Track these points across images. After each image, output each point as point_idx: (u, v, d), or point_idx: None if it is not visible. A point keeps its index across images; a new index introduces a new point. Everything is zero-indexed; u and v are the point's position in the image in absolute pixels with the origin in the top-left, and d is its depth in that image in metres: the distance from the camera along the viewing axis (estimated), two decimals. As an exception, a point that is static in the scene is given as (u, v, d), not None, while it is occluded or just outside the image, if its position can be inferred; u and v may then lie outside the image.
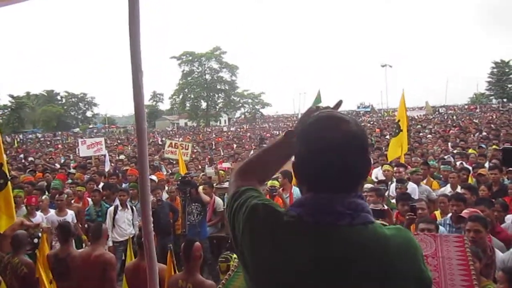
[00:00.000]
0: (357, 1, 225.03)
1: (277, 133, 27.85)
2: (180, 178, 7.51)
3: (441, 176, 8.24)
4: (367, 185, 6.92)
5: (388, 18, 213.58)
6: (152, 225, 7.50)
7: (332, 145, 1.13)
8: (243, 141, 26.62)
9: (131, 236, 6.73)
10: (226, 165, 10.80)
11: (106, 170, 11.82)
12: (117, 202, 7.44)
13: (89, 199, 7.94)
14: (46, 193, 8.35)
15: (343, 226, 1.13)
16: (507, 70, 69.71)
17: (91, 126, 77.57)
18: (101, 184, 8.83)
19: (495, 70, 70.44)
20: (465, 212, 4.48)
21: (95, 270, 4.16)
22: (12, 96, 70.71)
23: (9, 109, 70.44)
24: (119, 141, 32.98)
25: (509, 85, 70.20)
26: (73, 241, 6.74)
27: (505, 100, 66.55)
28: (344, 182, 1.15)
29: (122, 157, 16.45)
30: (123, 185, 8.96)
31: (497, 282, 3.32)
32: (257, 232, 1.21)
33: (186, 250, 3.92)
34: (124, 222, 7.19)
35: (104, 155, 13.73)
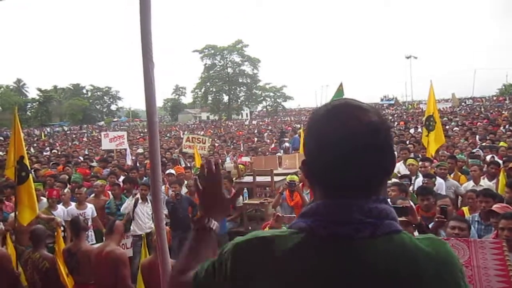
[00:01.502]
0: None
1: (299, 126, 27.56)
2: (198, 173, 7.42)
3: (470, 170, 7.92)
4: (392, 180, 6.69)
5: (413, 8, 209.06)
6: (170, 220, 7.49)
7: (348, 139, 0.93)
8: (264, 134, 26.50)
9: (149, 230, 6.70)
10: (245, 159, 10.67)
11: (128, 163, 11.88)
12: (137, 195, 7.42)
13: (110, 193, 7.96)
14: (68, 185, 8.44)
15: (363, 239, 0.92)
16: (538, 60, 67.19)
17: (115, 120, 78.80)
18: (122, 178, 8.83)
19: (526, 60, 67.98)
20: (496, 207, 4.22)
21: (106, 266, 4.13)
22: (40, 90, 72.51)
23: (37, 102, 72.22)
24: (141, 135, 33.30)
25: (541, 76, 67.72)
26: (92, 234, 6.82)
27: (536, 90, 64.41)
28: (364, 183, 0.95)
29: (140, 150, 16.54)
30: (144, 179, 8.95)
31: None
32: (251, 277, 0.99)
33: None
34: (144, 216, 7.16)
35: (126, 149, 13.82)
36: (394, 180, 6.70)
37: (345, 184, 0.95)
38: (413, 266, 0.91)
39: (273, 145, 16.98)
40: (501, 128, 17.41)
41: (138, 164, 11.37)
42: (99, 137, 21.47)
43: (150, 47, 2.81)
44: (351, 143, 0.93)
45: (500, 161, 7.83)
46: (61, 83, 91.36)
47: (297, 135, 15.52)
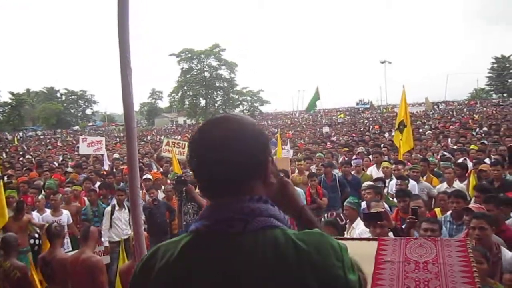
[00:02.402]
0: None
1: (276, 130, 27.72)
2: (175, 177, 7.42)
3: (442, 172, 8.15)
4: (366, 183, 6.85)
5: (387, 15, 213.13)
6: (147, 225, 7.46)
7: (209, 147, 1.07)
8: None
9: (127, 236, 6.65)
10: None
11: (105, 169, 11.72)
12: (114, 201, 7.35)
13: (86, 199, 7.86)
14: (43, 192, 8.28)
15: (235, 234, 1.04)
16: (507, 65, 69.58)
17: (90, 124, 77.44)
18: (98, 184, 8.72)
19: (495, 65, 70.32)
20: (472, 206, 4.38)
21: (82, 273, 4.07)
22: (12, 93, 70.53)
23: (9, 106, 70.23)
24: (118, 140, 32.86)
25: (510, 80, 70.10)
26: (68, 241, 6.72)
27: (505, 95, 66.51)
28: (233, 186, 1.07)
29: (116, 155, 16.34)
30: (121, 185, 8.86)
31: (503, 283, 3.22)
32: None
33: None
34: (121, 222, 7.10)
35: (103, 155, 13.63)
36: (368, 183, 6.87)
37: (216, 186, 1.09)
38: (281, 258, 1.00)
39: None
40: (478, 129, 17.95)
41: (114, 170, 11.24)
42: (74, 142, 21.12)
43: (127, 54, 2.83)
44: (213, 152, 1.06)
45: (470, 163, 8.09)
46: (34, 86, 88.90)
47: (274, 139, 15.63)
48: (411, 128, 10.24)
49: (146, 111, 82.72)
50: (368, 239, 2.03)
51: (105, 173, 10.50)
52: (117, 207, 7.09)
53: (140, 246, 2.91)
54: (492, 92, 72.24)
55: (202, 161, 1.08)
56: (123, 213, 7.10)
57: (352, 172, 8.50)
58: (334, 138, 20.96)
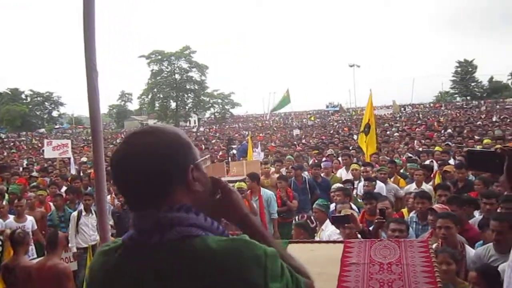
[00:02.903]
0: (325, 2, 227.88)
1: (246, 133, 27.78)
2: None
3: (408, 174, 8.37)
4: (335, 185, 6.94)
5: (356, 19, 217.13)
6: (116, 230, 7.34)
7: (122, 160, 1.11)
8: (213, 141, 26.47)
9: (95, 242, 6.51)
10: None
11: (72, 173, 11.45)
12: (81, 206, 7.17)
13: (51, 204, 7.64)
14: (6, 197, 8.00)
15: (153, 245, 1.06)
16: (470, 69, 72.07)
17: (57, 127, 75.23)
18: (64, 188, 8.49)
19: (459, 69, 72.68)
20: (436, 206, 4.51)
21: (49, 281, 3.96)
22: (-27, 95, 67.80)
23: (-29, 108, 67.49)
24: (85, 143, 32.12)
25: (472, 84, 72.61)
26: (33, 248, 6.51)
27: (468, 98, 68.88)
28: (148, 198, 1.09)
29: (84, 159, 15.98)
30: (88, 189, 8.66)
31: (468, 280, 3.32)
32: None
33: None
34: (89, 228, 6.93)
35: (69, 158, 13.30)
36: (338, 185, 6.96)
37: (135, 200, 1.11)
38: (196, 268, 1.01)
39: (220, 153, 16.98)
40: (443, 132, 18.49)
41: (81, 174, 10.99)
42: (39, 145, 20.51)
43: (93, 56, 2.79)
44: (125, 165, 1.10)
45: (436, 165, 8.34)
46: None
47: (245, 141, 15.65)
48: (378, 130, 10.50)
49: (115, 113, 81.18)
50: (334, 242, 2.07)
51: (72, 177, 10.24)
52: (84, 213, 6.91)
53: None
54: (456, 95, 74.68)
55: (118, 175, 1.11)
56: (90, 219, 6.93)
57: (322, 174, 8.60)
58: (304, 141, 21.19)
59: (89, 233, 6.87)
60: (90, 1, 2.71)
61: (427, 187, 6.97)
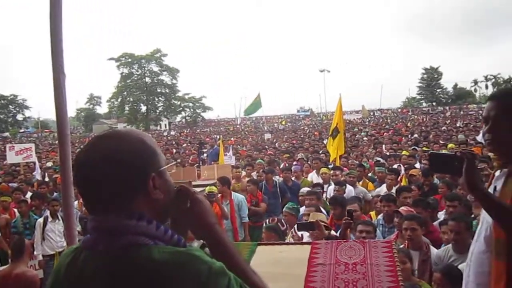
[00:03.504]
0: (297, 8, 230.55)
1: (218, 137, 27.72)
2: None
3: (376, 177, 8.55)
4: (304, 189, 7.03)
5: (326, 25, 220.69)
6: (84, 236, 7.21)
7: (82, 165, 1.10)
8: (184, 145, 26.28)
9: (62, 249, 6.34)
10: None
11: (37, 178, 11.12)
12: (47, 213, 6.98)
13: (16, 210, 7.40)
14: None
15: (99, 252, 1.06)
16: (436, 76, 74.40)
17: (22, 130, 72.91)
18: (29, 194, 8.26)
19: (425, 75, 74.90)
20: (402, 209, 4.64)
21: (16, 290, 3.84)
22: None
23: None
24: (53, 147, 31.25)
25: (438, 90, 74.98)
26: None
27: (434, 103, 71.07)
28: (100, 204, 1.09)
29: (49, 164, 15.57)
30: (54, 195, 8.45)
31: (433, 281, 3.44)
32: None
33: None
34: (55, 234, 6.76)
35: (34, 163, 12.93)
36: (307, 189, 7.04)
37: (90, 203, 1.11)
38: (137, 276, 1.00)
39: (192, 157, 16.88)
40: (410, 136, 18.98)
41: (47, 179, 10.70)
42: (2, 149, 19.84)
43: (61, 58, 2.75)
44: (84, 170, 1.10)
45: (402, 169, 8.56)
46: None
47: (216, 145, 15.63)
48: (348, 134, 10.72)
49: (83, 117, 79.38)
50: (302, 243, 2.11)
51: (37, 182, 9.97)
52: (50, 219, 6.74)
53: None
54: (423, 100, 76.94)
55: (78, 178, 1.11)
56: (57, 225, 6.76)
57: (292, 178, 8.69)
58: (276, 145, 21.32)
59: (55, 239, 6.70)
60: (57, 3, 2.67)
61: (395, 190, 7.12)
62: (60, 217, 6.71)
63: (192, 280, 0.98)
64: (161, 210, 1.13)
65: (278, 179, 8.67)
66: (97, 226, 1.08)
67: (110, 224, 1.06)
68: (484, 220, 1.95)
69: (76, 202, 8.02)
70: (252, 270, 1.17)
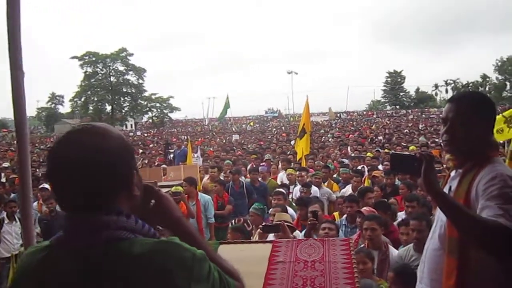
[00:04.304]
0: (266, 8, 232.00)
1: (185, 138, 27.49)
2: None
3: (340, 178, 8.72)
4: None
5: (294, 27, 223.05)
6: (43, 238, 7.01)
7: (65, 160, 1.07)
8: (150, 146, 25.92)
9: (18, 252, 6.15)
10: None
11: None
12: (3, 214, 6.74)
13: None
14: None
15: (80, 248, 1.05)
16: (399, 80, 76.54)
17: (-22, 130, 69.96)
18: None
19: (389, 79, 76.92)
20: (364, 209, 4.75)
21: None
22: None
23: None
24: (12, 149, 30.09)
25: (401, 93, 77.15)
26: None
27: (397, 106, 73.08)
28: (82, 199, 1.07)
29: (6, 164, 15.03)
30: (12, 195, 8.15)
31: (387, 281, 3.54)
32: None
33: None
34: (12, 236, 6.54)
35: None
36: (276, 189, 7.10)
37: (68, 200, 1.09)
38: (123, 269, 1.02)
39: (158, 157, 16.68)
40: (374, 138, 19.41)
41: (4, 179, 10.32)
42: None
43: (19, 55, 2.66)
44: (68, 165, 1.06)
45: (366, 170, 8.76)
46: None
47: (183, 146, 15.51)
48: (315, 136, 10.92)
49: (44, 116, 76.91)
50: (264, 242, 2.14)
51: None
52: (6, 220, 6.52)
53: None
54: (387, 104, 78.97)
55: (56, 173, 1.08)
56: (14, 226, 6.55)
57: (259, 179, 8.73)
58: (244, 147, 21.35)
59: (12, 241, 6.50)
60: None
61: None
62: (17, 219, 6.49)
63: (179, 267, 1.03)
64: (135, 207, 1.15)
65: (245, 180, 8.69)
66: (78, 223, 1.06)
67: (93, 220, 1.05)
68: (439, 219, 2.03)
69: (35, 204, 7.80)
70: (222, 258, 1.26)
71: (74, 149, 1.07)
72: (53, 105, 77.05)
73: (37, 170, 12.91)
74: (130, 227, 1.08)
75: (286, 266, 1.73)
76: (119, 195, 1.10)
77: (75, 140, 1.09)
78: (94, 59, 64.98)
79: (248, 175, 9.39)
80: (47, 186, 8.48)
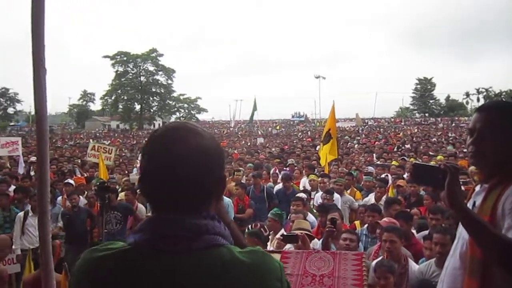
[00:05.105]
0: (296, 14, 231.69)
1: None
2: (98, 183, 7.12)
3: (363, 186, 8.55)
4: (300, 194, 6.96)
5: (322, 32, 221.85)
6: (65, 233, 7.08)
7: (171, 159, 1.02)
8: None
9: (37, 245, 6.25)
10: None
11: (20, 172, 10.99)
12: (28, 207, 6.89)
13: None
14: None
15: (179, 252, 1.00)
16: (429, 87, 74.95)
17: (12, 124, 72.29)
18: (12, 187, 8.14)
19: (418, 86, 75.45)
20: (383, 220, 4.61)
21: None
22: None
23: None
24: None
25: (431, 101, 75.51)
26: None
27: (427, 114, 71.54)
28: (184, 201, 1.03)
29: (34, 158, 15.45)
30: (38, 189, 8.33)
31: None
32: None
33: None
34: (35, 229, 6.66)
35: (19, 156, 12.80)
36: (301, 194, 6.99)
37: (166, 201, 1.04)
38: (225, 276, 0.99)
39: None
40: (401, 146, 19.05)
41: (33, 173, 10.58)
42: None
43: (42, 52, 2.69)
44: (175, 165, 1.02)
45: (390, 179, 8.56)
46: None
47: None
48: (340, 142, 10.75)
49: (76, 113, 78.91)
50: (273, 252, 2.07)
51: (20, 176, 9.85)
52: (30, 213, 6.65)
53: (46, 255, 2.74)
54: (416, 111, 77.43)
55: (160, 174, 1.03)
56: (37, 219, 6.67)
57: (281, 184, 8.63)
58: (272, 150, 21.23)
59: (35, 234, 6.61)
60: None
61: (383, 200, 7.07)
62: (42, 213, 6.59)
63: (272, 277, 1.03)
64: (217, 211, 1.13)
65: (270, 185, 8.62)
66: (173, 226, 1.01)
67: (191, 223, 1.02)
68: (461, 236, 1.90)
69: (59, 198, 7.96)
70: None
71: (176, 147, 1.03)
72: (84, 102, 79.03)
73: (64, 165, 13.18)
74: (223, 233, 1.06)
75: (293, 279, 1.65)
76: (210, 199, 1.08)
77: (175, 138, 1.05)
78: (125, 58, 66.34)
79: (270, 179, 9.35)
80: (71, 181, 8.65)
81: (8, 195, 7.34)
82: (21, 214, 6.66)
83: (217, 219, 1.07)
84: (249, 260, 1.02)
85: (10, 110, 77.90)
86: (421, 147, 17.91)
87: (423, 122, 53.41)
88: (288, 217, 5.81)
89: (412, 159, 11.81)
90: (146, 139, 1.15)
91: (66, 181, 8.94)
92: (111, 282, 1.01)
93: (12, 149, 12.62)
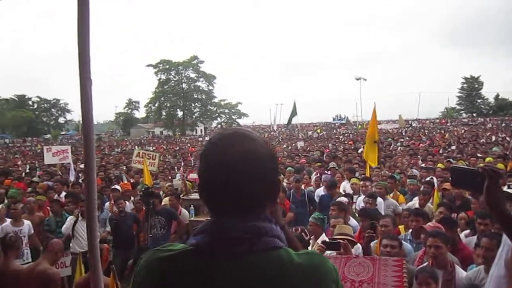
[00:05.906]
0: (336, 17, 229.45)
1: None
2: (143, 189, 7.33)
3: (407, 189, 8.31)
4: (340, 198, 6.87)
5: (363, 33, 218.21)
6: (113, 237, 7.30)
7: (228, 164, 1.05)
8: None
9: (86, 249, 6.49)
10: (194, 176, 10.56)
11: (71, 179, 11.49)
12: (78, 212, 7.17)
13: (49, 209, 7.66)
14: (5, 201, 8.05)
15: (240, 253, 1.03)
16: (476, 86, 71.91)
17: (63, 133, 75.72)
18: (63, 194, 8.53)
19: (465, 85, 72.57)
20: (428, 225, 4.47)
21: (36, 286, 3.95)
22: (-21, 101, 68.36)
23: (-24, 113, 68.03)
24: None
25: (478, 100, 72.41)
26: (28, 252, 6.52)
27: (474, 114, 68.60)
28: (242, 204, 1.06)
29: (82, 166, 16.08)
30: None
31: None
32: None
33: None
34: (85, 233, 6.93)
35: (69, 164, 13.38)
36: (342, 198, 6.89)
37: (226, 204, 1.07)
38: (285, 278, 1.01)
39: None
40: (447, 148, 18.36)
41: (81, 180, 11.04)
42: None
43: (87, 64, 2.82)
44: (231, 168, 1.05)
45: (435, 182, 8.27)
46: (4, 94, 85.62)
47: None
48: (382, 145, 10.46)
49: (122, 121, 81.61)
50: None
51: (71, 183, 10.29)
52: (80, 218, 6.93)
53: (95, 258, 2.85)
54: (462, 111, 74.47)
55: (218, 179, 1.06)
56: (86, 225, 6.93)
57: (322, 188, 8.55)
58: (313, 154, 21.06)
59: (85, 238, 6.86)
60: (85, 10, 2.74)
61: (429, 206, 6.85)
62: (91, 218, 6.83)
63: (329, 279, 1.06)
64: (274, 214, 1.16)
65: (310, 189, 8.56)
66: (234, 228, 1.04)
67: (252, 226, 1.05)
68: (506, 243, 1.83)
69: (107, 204, 8.25)
70: None
71: (234, 155, 1.06)
72: (129, 110, 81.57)
73: (111, 172, 13.63)
74: (280, 236, 1.09)
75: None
76: (267, 202, 1.11)
77: (234, 146, 1.08)
78: (167, 66, 68.10)
79: (312, 184, 9.29)
80: (118, 187, 8.95)
81: (59, 201, 7.68)
82: (72, 217, 6.94)
83: (274, 222, 1.09)
84: (307, 262, 1.05)
85: (61, 120, 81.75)
86: (468, 148, 17.19)
87: (470, 123, 51.26)
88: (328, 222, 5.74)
89: (460, 162, 11.32)
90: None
91: (113, 187, 9.25)
92: (172, 283, 1.05)
93: (63, 157, 13.22)
